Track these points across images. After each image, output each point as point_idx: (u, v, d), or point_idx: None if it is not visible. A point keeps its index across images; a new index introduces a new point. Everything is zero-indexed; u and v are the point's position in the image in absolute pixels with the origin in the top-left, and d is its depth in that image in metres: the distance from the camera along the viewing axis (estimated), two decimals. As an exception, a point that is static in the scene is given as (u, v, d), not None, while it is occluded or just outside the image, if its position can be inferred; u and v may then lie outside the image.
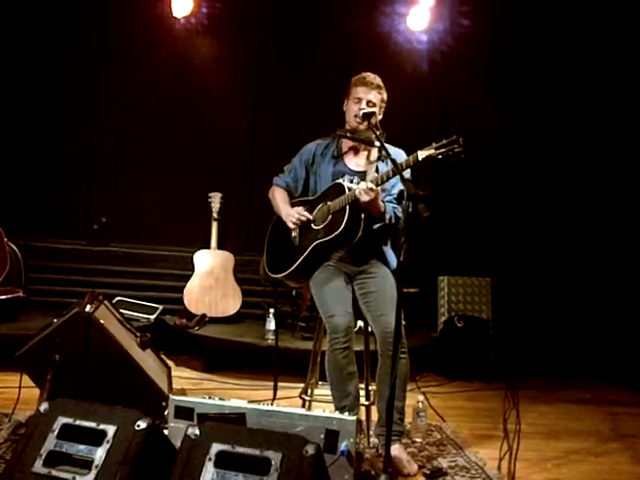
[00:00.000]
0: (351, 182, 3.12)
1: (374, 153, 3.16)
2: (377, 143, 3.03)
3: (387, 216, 3.03)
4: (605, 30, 5.45)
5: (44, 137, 5.43)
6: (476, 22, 5.50)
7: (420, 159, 2.79)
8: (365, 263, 3.16)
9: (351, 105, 3.17)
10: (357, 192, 2.91)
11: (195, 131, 5.58)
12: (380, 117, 3.17)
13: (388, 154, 2.85)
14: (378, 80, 3.17)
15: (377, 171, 3.12)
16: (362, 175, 3.15)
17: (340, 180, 3.12)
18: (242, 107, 5.67)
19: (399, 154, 3.11)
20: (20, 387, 3.03)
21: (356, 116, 3.11)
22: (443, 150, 2.74)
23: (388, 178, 2.91)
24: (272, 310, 4.75)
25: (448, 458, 3.15)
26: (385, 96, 3.19)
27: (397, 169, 2.75)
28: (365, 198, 2.88)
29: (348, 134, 3.18)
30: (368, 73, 3.18)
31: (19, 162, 5.35)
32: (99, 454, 2.13)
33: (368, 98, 3.12)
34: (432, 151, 2.77)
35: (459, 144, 2.72)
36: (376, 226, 3.07)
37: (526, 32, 5.58)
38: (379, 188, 2.93)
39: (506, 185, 5.65)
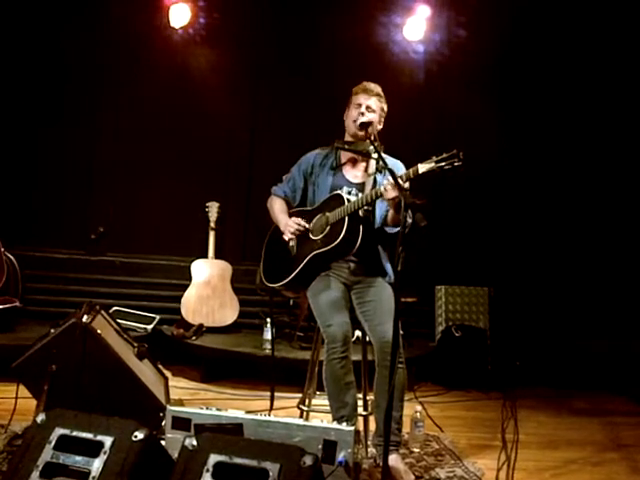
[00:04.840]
0: (349, 194, 3.13)
1: (372, 165, 3.18)
2: (375, 155, 3.04)
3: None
4: (602, 38, 5.49)
5: (42, 146, 5.43)
6: (472, 32, 5.54)
7: (420, 172, 2.80)
8: (363, 273, 3.16)
9: (351, 111, 3.19)
10: (382, 189, 2.87)
11: (193, 140, 5.59)
12: (380, 127, 3.21)
13: (385, 164, 2.86)
14: (379, 89, 3.20)
15: (375, 183, 3.13)
16: (360, 187, 3.17)
17: (339, 191, 3.13)
18: (240, 116, 5.69)
19: (397, 165, 3.11)
20: (17, 398, 3.02)
21: (355, 121, 3.13)
22: (443, 164, 2.75)
23: (409, 178, 2.86)
24: (269, 320, 4.74)
25: (446, 468, 3.14)
26: (385, 106, 3.21)
27: (395, 179, 2.75)
28: (392, 194, 2.82)
29: (346, 146, 3.19)
30: (369, 82, 3.22)
31: (16, 171, 5.36)
32: (96, 465, 2.11)
33: (368, 104, 3.15)
34: (432, 164, 2.77)
35: (459, 158, 2.73)
36: (395, 230, 3.03)
37: (522, 42, 5.61)
38: (394, 191, 2.82)
39: (504, 195, 5.67)
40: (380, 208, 3.14)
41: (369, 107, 3.15)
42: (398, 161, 3.17)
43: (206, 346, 4.74)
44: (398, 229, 2.98)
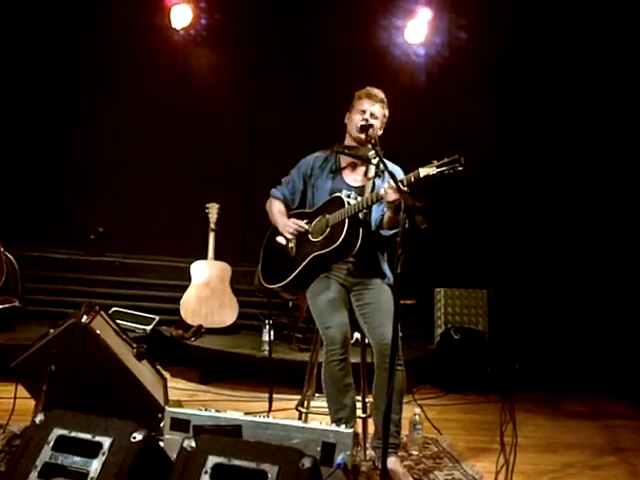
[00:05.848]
0: (348, 197, 3.13)
1: (372, 169, 3.19)
2: (374, 160, 3.04)
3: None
4: (602, 39, 5.49)
5: (42, 146, 5.43)
6: (473, 35, 5.54)
7: (421, 176, 2.80)
8: (362, 275, 3.16)
9: (354, 116, 3.19)
10: (382, 191, 2.87)
11: (193, 142, 5.60)
12: (380, 132, 3.20)
13: (386, 167, 2.85)
14: (382, 95, 3.20)
15: (374, 186, 3.13)
16: (359, 190, 3.17)
17: (339, 194, 3.13)
18: (240, 118, 5.69)
19: (397, 171, 3.11)
20: (15, 398, 3.02)
21: (357, 126, 3.12)
22: (444, 169, 2.75)
23: (410, 183, 2.85)
24: (268, 321, 4.73)
25: (444, 471, 3.14)
26: (387, 112, 3.22)
27: (395, 182, 2.74)
28: (393, 197, 2.81)
29: (346, 150, 3.19)
30: (373, 87, 3.21)
31: (16, 171, 5.35)
32: (94, 466, 2.11)
33: (372, 110, 3.15)
34: (434, 169, 2.77)
35: (461, 163, 2.73)
36: (390, 233, 3.04)
37: (523, 44, 5.61)
38: (395, 194, 2.81)
39: (503, 197, 5.67)
40: (376, 212, 3.13)
41: (373, 114, 3.15)
42: (397, 166, 3.17)
43: (205, 347, 4.74)
44: (393, 232, 3.00)
